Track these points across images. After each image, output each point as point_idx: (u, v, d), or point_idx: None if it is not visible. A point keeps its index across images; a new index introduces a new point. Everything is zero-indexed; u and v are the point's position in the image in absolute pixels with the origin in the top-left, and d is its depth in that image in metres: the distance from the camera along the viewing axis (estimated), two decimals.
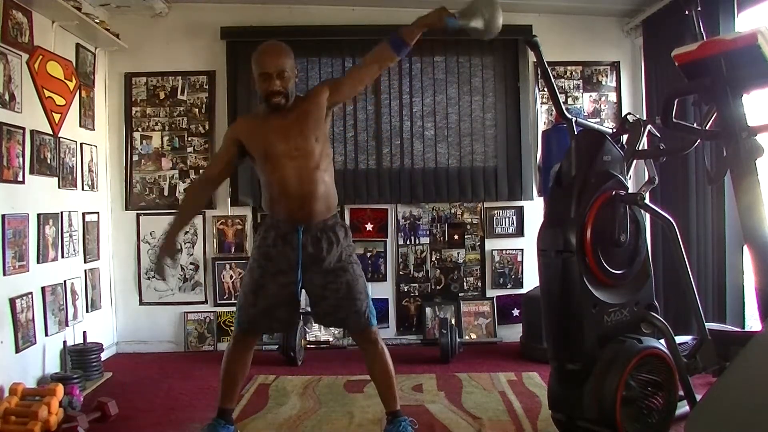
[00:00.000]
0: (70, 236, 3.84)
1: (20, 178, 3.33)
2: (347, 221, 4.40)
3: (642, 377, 2.36)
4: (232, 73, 4.44)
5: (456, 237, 4.62)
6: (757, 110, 2.35)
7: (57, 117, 3.70)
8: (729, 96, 2.21)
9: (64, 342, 3.56)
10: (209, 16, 4.49)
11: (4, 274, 3.15)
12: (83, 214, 4.03)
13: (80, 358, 3.60)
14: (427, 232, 4.61)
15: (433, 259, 4.62)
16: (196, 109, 4.52)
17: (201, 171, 2.76)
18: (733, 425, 1.78)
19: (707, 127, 2.52)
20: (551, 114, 4.56)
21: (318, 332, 4.47)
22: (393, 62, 2.61)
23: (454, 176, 4.55)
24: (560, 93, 4.13)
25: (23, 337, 3.28)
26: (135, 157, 4.51)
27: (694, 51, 2.30)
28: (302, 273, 2.53)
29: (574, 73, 4.64)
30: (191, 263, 4.51)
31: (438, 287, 4.61)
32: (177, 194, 4.49)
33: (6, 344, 3.16)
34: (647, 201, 2.46)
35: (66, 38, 3.86)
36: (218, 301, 4.50)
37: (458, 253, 4.62)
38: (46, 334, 3.50)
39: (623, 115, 2.87)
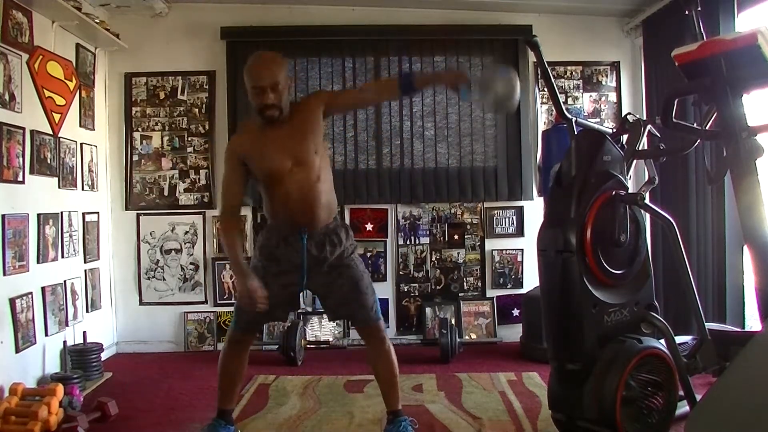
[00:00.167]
0: (70, 236, 3.84)
1: (20, 178, 3.33)
2: (347, 221, 4.40)
3: (642, 377, 2.36)
4: (232, 73, 4.42)
5: (456, 237, 4.61)
6: (757, 110, 2.35)
7: (57, 117, 3.70)
8: (729, 96, 2.21)
9: (64, 342, 3.56)
10: (209, 16, 4.49)
11: (4, 274, 3.16)
12: (83, 214, 4.03)
13: (80, 358, 3.60)
14: (427, 232, 4.61)
15: (433, 259, 4.62)
16: (196, 109, 4.52)
17: (219, 205, 2.72)
18: (733, 425, 1.78)
19: (707, 127, 2.52)
20: (551, 114, 4.55)
21: (318, 332, 4.47)
22: (394, 99, 2.61)
23: (454, 176, 4.55)
24: (560, 93, 4.14)
25: (23, 337, 3.28)
26: (135, 157, 4.51)
27: (694, 51, 2.30)
28: (306, 275, 2.55)
29: (574, 73, 4.64)
30: (191, 263, 4.51)
31: (438, 287, 4.61)
32: (177, 194, 4.50)
33: (6, 344, 3.16)
34: (647, 201, 2.46)
35: (66, 38, 3.86)
36: (218, 301, 4.50)
37: (458, 253, 4.62)
38: (46, 334, 3.50)
39: (623, 115, 2.86)
